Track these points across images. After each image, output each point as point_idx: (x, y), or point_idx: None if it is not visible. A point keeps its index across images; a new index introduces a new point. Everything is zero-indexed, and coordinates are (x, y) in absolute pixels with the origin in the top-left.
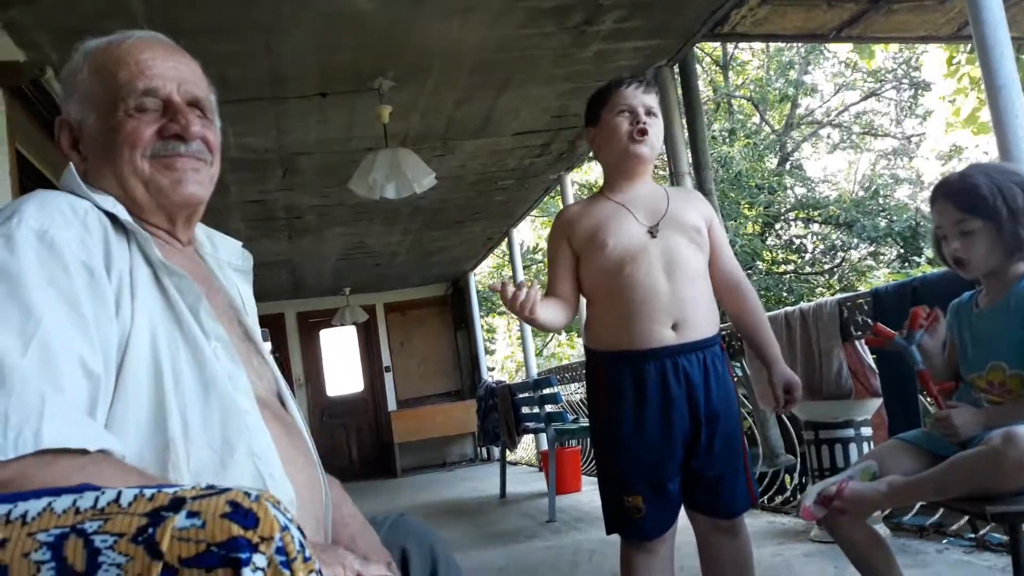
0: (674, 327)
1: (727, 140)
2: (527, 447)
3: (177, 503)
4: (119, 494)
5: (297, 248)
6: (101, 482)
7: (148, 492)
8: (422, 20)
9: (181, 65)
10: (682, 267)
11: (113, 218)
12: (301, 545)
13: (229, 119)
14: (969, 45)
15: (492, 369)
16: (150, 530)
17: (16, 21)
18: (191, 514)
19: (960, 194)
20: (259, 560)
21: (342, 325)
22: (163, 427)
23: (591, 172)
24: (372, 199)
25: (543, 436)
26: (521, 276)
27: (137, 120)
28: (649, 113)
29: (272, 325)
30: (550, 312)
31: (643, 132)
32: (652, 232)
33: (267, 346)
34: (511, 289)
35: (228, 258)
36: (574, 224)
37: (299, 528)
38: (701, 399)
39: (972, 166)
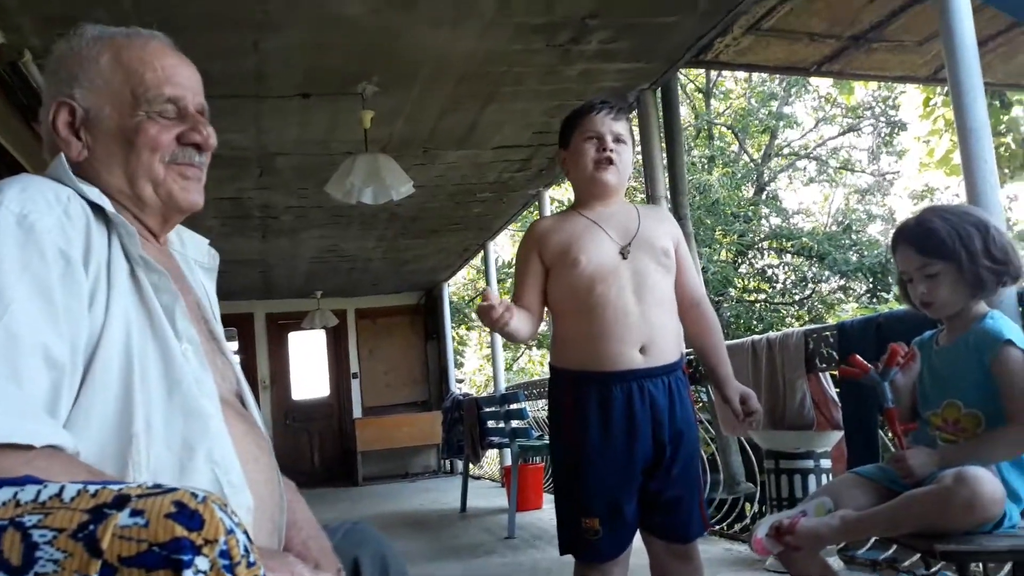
0: (642, 350)
1: (706, 167)
2: (491, 462)
3: (121, 500)
4: (62, 488)
5: (270, 248)
6: (47, 476)
7: (92, 488)
8: (410, 27)
9: (193, 74)
10: (651, 290)
11: (95, 209)
12: (246, 550)
13: (208, 114)
14: (945, 87)
15: (461, 381)
16: (91, 527)
17: None
18: (135, 512)
19: (920, 239)
20: (201, 563)
21: (311, 328)
22: (128, 422)
23: (571, 191)
24: (349, 203)
25: (507, 451)
26: (495, 289)
27: (159, 125)
28: (617, 140)
29: (241, 325)
30: (518, 322)
31: (608, 161)
32: (623, 253)
33: (231, 345)
34: (495, 303)
35: (195, 255)
36: (546, 238)
37: (245, 532)
38: (666, 422)
39: (927, 210)
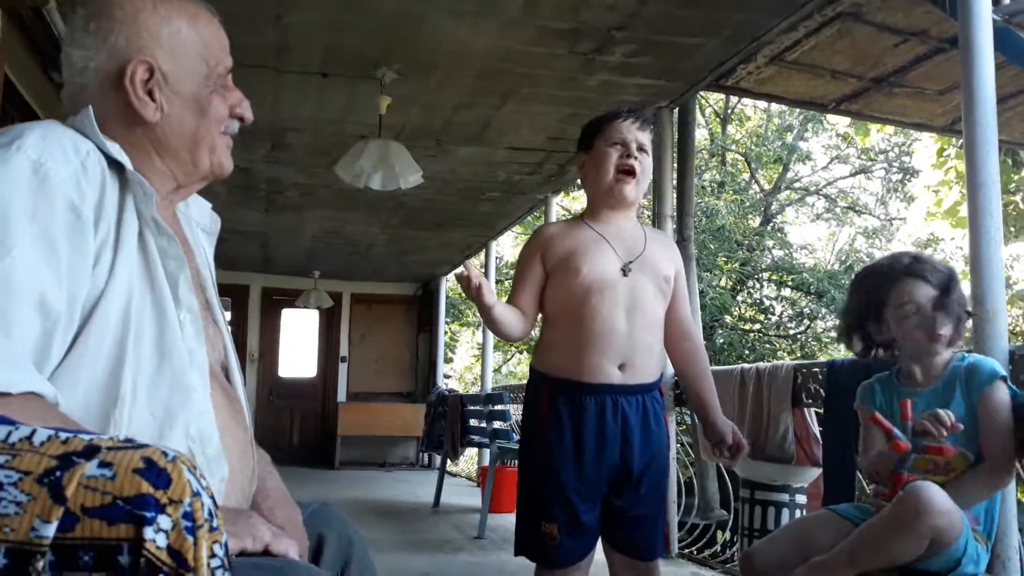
0: (621, 367)
1: (715, 192)
2: (469, 460)
3: (91, 451)
4: (33, 432)
5: (274, 223)
6: (21, 420)
7: (63, 435)
8: (433, 16)
9: None
10: (643, 312)
11: (111, 166)
12: (210, 514)
13: None
14: (960, 139)
15: (448, 377)
16: (58, 473)
17: None
18: (103, 464)
19: (933, 273)
20: (164, 522)
21: (306, 308)
22: (116, 383)
23: (578, 200)
24: (357, 187)
25: (486, 452)
26: (493, 288)
27: (221, 97)
28: (641, 149)
29: (236, 296)
30: (506, 310)
31: (631, 172)
32: (624, 270)
33: (225, 315)
34: (471, 273)
35: (198, 217)
36: (551, 243)
37: (212, 497)
38: (635, 440)
39: (904, 253)
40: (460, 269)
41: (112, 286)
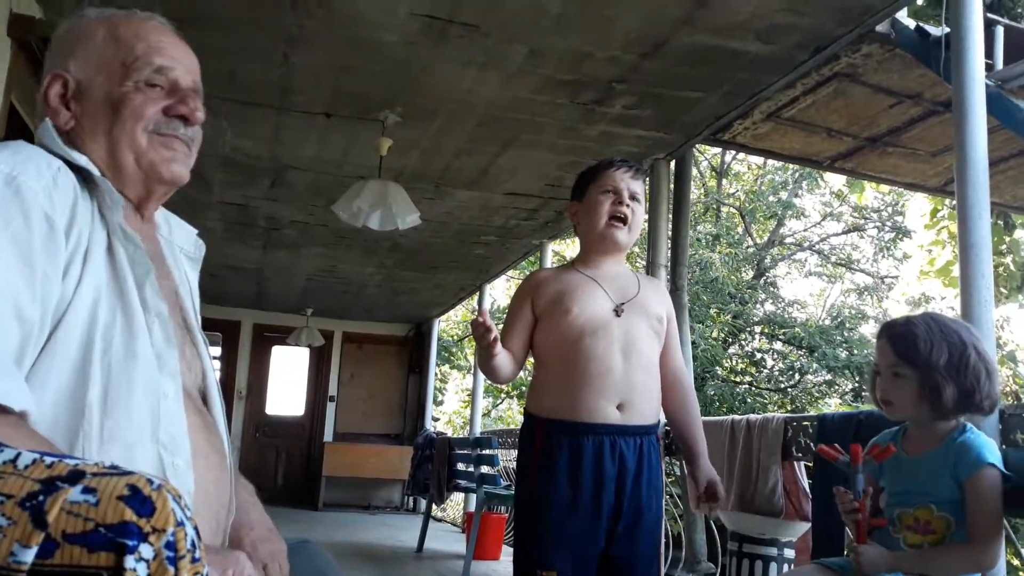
0: (619, 407)
1: (710, 244)
2: (455, 506)
3: (75, 476)
4: (18, 455)
5: (269, 259)
6: (6, 442)
7: (48, 460)
8: (440, 64)
9: (189, 55)
10: (638, 351)
11: (82, 178)
12: (193, 545)
13: (228, 117)
14: (953, 200)
15: (437, 420)
16: (40, 498)
17: None
18: (87, 490)
19: (899, 339)
20: (145, 551)
21: (297, 345)
22: (82, 392)
23: (572, 247)
24: (354, 226)
25: (472, 497)
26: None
27: (145, 95)
28: (633, 198)
29: (227, 331)
30: (505, 356)
31: (622, 220)
32: (617, 311)
33: (213, 351)
34: (488, 322)
35: (181, 243)
36: (541, 288)
37: (195, 528)
38: (630, 484)
39: (923, 314)
40: (477, 317)
41: (79, 296)
